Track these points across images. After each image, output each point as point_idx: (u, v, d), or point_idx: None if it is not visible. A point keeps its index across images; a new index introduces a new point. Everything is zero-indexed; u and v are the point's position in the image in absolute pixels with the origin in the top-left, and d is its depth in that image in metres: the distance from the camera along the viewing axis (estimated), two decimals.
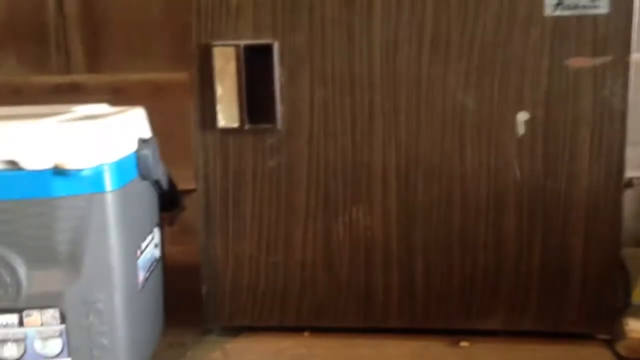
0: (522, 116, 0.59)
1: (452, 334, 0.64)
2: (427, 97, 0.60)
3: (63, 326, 0.51)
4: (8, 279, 0.50)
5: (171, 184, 0.68)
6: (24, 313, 0.50)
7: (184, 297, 0.69)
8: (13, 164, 0.49)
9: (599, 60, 0.57)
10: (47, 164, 0.49)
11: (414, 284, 0.64)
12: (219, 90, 0.62)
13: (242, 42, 0.61)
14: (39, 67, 0.99)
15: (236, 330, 0.67)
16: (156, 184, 0.62)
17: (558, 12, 0.57)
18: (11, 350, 0.50)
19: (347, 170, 0.63)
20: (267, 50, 0.61)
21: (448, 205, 0.62)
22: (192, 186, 0.73)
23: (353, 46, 0.60)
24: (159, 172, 0.62)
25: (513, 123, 0.59)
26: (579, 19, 0.56)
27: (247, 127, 0.62)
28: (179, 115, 0.88)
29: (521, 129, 0.59)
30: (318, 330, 0.66)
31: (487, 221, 0.61)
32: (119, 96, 0.94)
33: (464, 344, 0.63)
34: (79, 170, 0.49)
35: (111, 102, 0.67)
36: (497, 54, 0.58)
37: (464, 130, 0.60)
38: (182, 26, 0.98)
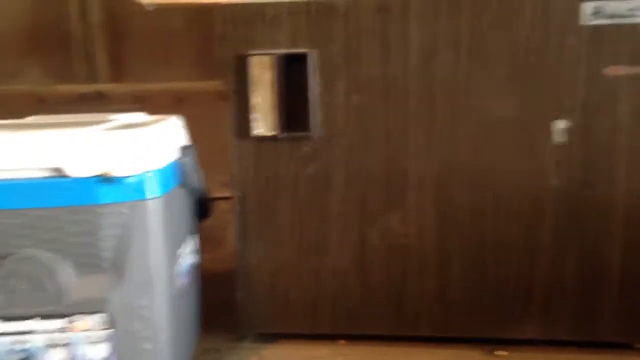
0: (560, 124, 0.59)
1: (486, 342, 0.64)
2: (464, 104, 0.61)
3: (109, 331, 0.51)
4: (54, 285, 0.50)
5: (205, 192, 0.69)
6: (70, 318, 0.51)
7: (213, 304, 0.70)
8: (59, 171, 0.49)
9: (637, 69, 0.57)
10: (93, 172, 0.50)
11: (448, 291, 0.64)
12: (255, 99, 0.63)
13: (278, 51, 0.62)
14: (63, 76, 1.00)
15: (271, 337, 0.67)
16: (194, 191, 0.63)
17: (595, 21, 0.57)
18: (59, 355, 0.51)
19: (382, 177, 0.63)
20: (302, 59, 0.62)
21: (483, 213, 0.62)
22: (215, 194, 0.73)
23: (388, 53, 0.61)
24: (198, 180, 0.62)
25: (550, 131, 0.60)
26: (617, 27, 0.57)
27: (283, 135, 0.63)
28: (200, 124, 0.88)
29: (558, 137, 0.59)
30: (351, 337, 0.66)
31: (522, 229, 0.62)
32: (142, 105, 0.94)
33: (499, 352, 0.63)
34: (124, 178, 0.49)
35: (135, 111, 0.68)
36: (534, 62, 0.59)
37: (500, 138, 0.61)
38: (205, 36, 0.99)
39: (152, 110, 0.67)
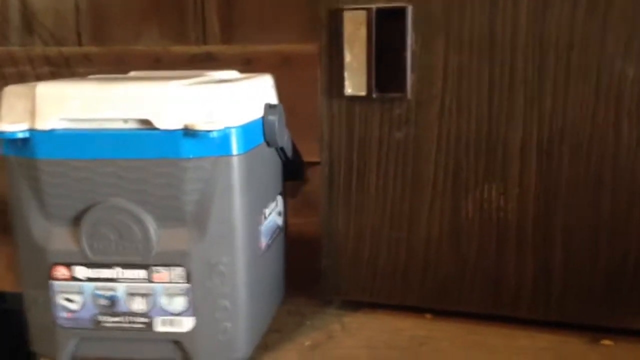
0: None
1: (591, 330, 0.58)
2: (580, 64, 0.54)
3: (188, 285, 0.52)
4: (139, 235, 0.51)
5: (296, 153, 0.68)
6: (153, 269, 0.52)
7: (303, 269, 0.69)
8: (147, 123, 0.50)
9: None
10: (178, 125, 0.50)
11: (551, 273, 0.58)
12: (348, 57, 0.60)
13: (374, 6, 0.58)
14: (178, 38, 1.03)
15: (355, 305, 0.65)
16: (281, 151, 0.62)
17: None
18: (140, 304, 0.52)
19: (480, 143, 0.58)
20: (400, 14, 0.58)
21: (597, 187, 0.55)
22: (315, 159, 0.71)
23: (495, 6, 0.55)
24: (285, 140, 0.61)
25: None
26: None
27: (375, 95, 0.60)
28: (306, 88, 0.87)
29: None
30: (441, 313, 0.62)
31: None
32: (250, 67, 0.95)
33: (606, 342, 0.57)
34: (208, 132, 0.49)
35: (242, 72, 0.67)
36: None
37: (621, 103, 0.53)
38: None
39: (259, 71, 0.67)
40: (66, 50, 1.04)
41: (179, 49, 1.02)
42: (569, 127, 0.55)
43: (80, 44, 1.05)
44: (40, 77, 1.05)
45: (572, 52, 0.54)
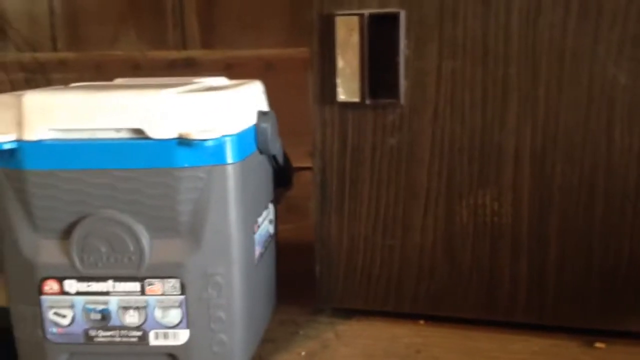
0: None
1: (585, 333, 0.58)
2: (572, 70, 0.54)
3: (183, 297, 0.51)
4: (132, 247, 0.50)
5: (286, 160, 0.67)
6: (146, 282, 0.50)
7: (291, 276, 0.68)
8: (140, 132, 0.49)
9: None
10: (172, 134, 0.49)
11: (545, 277, 0.58)
12: (340, 63, 0.59)
13: (367, 11, 0.58)
14: (156, 41, 1.01)
15: (347, 313, 0.65)
16: (273, 158, 0.61)
17: None
18: (133, 317, 0.51)
19: (474, 149, 0.58)
20: (392, 19, 0.58)
21: (590, 192, 0.56)
22: (300, 164, 0.71)
23: (488, 11, 0.55)
24: (277, 147, 0.60)
25: None
26: None
27: (368, 101, 0.59)
28: (290, 93, 0.87)
29: None
30: (435, 319, 0.62)
31: (635, 211, 0.55)
32: (232, 72, 0.94)
33: (599, 345, 0.57)
34: (202, 141, 0.48)
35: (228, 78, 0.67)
36: None
37: (613, 109, 0.54)
38: (296, 1, 0.97)
39: (241, 77, 0.66)
40: (41, 55, 1.02)
41: (158, 54, 1.00)
42: (561, 132, 0.56)
43: (55, 49, 1.03)
44: (14, 84, 1.02)
45: (564, 58, 0.54)
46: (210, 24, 1.00)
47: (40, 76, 1.02)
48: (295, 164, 0.71)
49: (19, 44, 1.04)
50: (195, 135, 0.48)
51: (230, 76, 0.66)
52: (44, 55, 1.02)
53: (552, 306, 0.58)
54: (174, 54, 1.00)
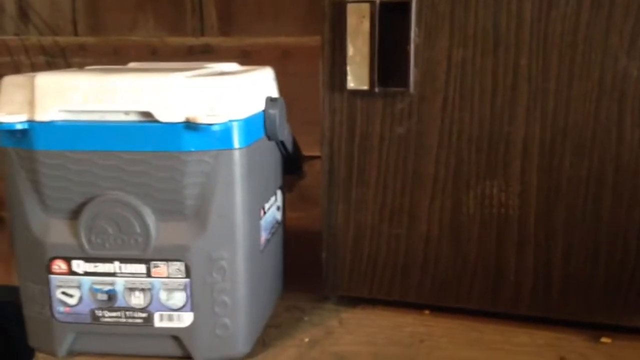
0: None
1: (591, 327, 0.58)
2: (583, 62, 0.53)
3: (187, 280, 0.51)
4: (139, 229, 0.51)
5: (296, 148, 0.67)
6: (152, 264, 0.51)
7: (300, 263, 0.69)
8: (148, 115, 0.49)
9: None
10: (179, 117, 0.49)
11: (551, 270, 0.58)
12: (350, 50, 0.59)
13: None
14: (174, 28, 1.02)
15: (352, 301, 0.65)
16: (281, 145, 0.61)
17: None
18: (138, 298, 0.52)
19: (483, 140, 0.58)
20: (404, 7, 0.57)
21: (599, 186, 0.55)
22: (313, 153, 0.71)
23: (500, 1, 0.55)
24: (285, 134, 0.60)
25: None
26: None
27: (377, 89, 0.59)
28: (305, 81, 0.86)
29: None
30: (440, 309, 0.62)
31: None
32: (249, 59, 0.94)
33: (605, 339, 0.57)
34: (210, 125, 0.48)
35: (241, 65, 0.67)
36: None
37: (624, 101, 0.53)
38: None
39: (258, 64, 0.66)
40: (62, 39, 1.03)
41: (175, 40, 1.01)
42: (571, 124, 0.55)
43: (76, 33, 1.04)
44: (35, 67, 1.03)
45: (576, 50, 0.53)
46: (228, 11, 1.00)
47: (61, 60, 1.04)
48: (308, 152, 0.71)
49: (40, 28, 1.05)
50: (202, 119, 0.48)
51: (247, 64, 0.66)
52: (65, 39, 1.03)
53: (557, 299, 0.58)
54: (191, 41, 1.00)
